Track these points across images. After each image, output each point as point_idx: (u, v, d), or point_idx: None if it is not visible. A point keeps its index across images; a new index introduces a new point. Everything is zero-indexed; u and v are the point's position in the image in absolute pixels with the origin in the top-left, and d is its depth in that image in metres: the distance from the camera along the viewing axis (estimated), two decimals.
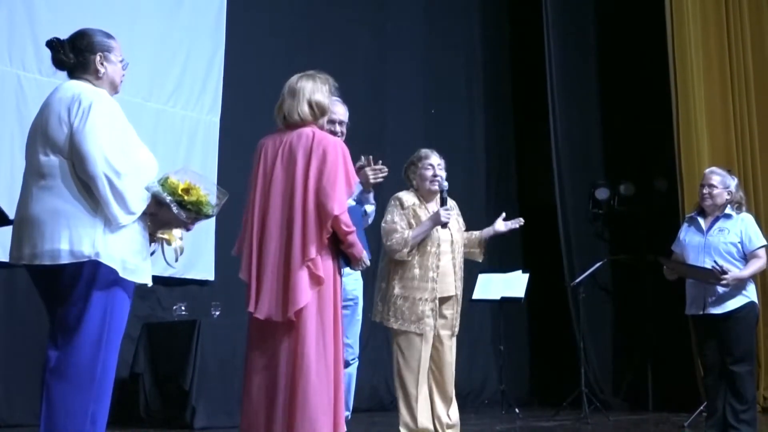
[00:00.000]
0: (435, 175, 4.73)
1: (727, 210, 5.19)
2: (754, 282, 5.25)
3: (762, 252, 5.15)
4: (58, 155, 3.01)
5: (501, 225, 4.89)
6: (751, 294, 5.14)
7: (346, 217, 3.59)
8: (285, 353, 3.55)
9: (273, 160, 3.68)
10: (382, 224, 4.69)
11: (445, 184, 4.69)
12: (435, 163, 4.76)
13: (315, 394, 3.50)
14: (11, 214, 3.29)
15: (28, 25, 6.07)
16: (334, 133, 4.44)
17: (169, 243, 3.29)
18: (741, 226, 5.16)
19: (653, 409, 8.24)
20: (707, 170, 5.40)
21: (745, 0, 8.28)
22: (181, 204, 3.03)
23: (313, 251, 3.54)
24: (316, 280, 3.56)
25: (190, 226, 3.20)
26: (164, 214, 3.08)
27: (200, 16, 7.20)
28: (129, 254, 3.02)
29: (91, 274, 2.96)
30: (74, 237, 2.94)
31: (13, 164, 5.64)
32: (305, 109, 3.70)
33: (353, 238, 3.63)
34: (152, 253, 3.26)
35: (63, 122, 3.00)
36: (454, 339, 4.77)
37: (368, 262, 3.81)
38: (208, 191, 3.13)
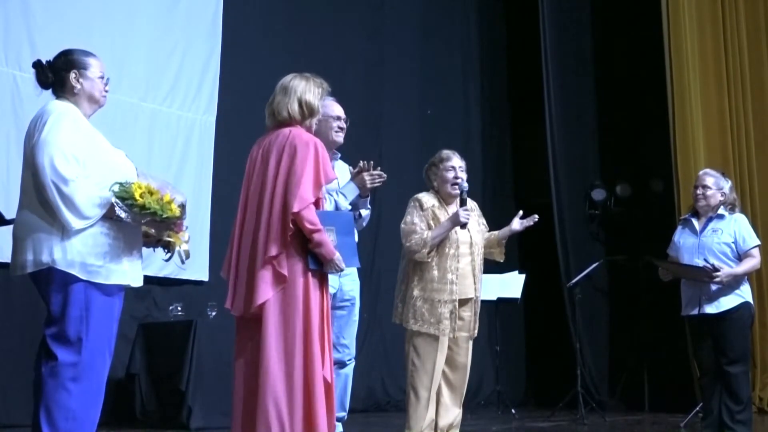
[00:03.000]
0: (456, 177, 4.68)
1: (720, 210, 5.20)
2: (749, 282, 5.26)
3: (756, 251, 5.17)
4: (28, 171, 3.16)
5: (517, 224, 4.80)
6: (745, 294, 5.15)
7: (308, 214, 3.52)
8: (252, 351, 3.60)
9: (255, 161, 3.73)
10: (402, 225, 4.66)
11: (465, 185, 4.65)
12: (456, 165, 4.71)
13: (269, 395, 3.49)
14: (8, 214, 3.37)
15: (25, 25, 6.05)
16: (342, 129, 4.46)
17: (175, 246, 3.34)
18: (734, 226, 5.17)
19: (649, 409, 8.24)
20: (701, 172, 5.43)
21: (741, 1, 8.30)
22: (130, 206, 3.10)
23: (274, 249, 3.52)
24: (278, 279, 3.55)
25: (175, 228, 3.31)
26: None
27: (196, 16, 7.18)
28: (91, 257, 3.12)
29: (59, 280, 3.10)
30: (36, 246, 3.10)
31: (9, 165, 5.64)
32: (295, 107, 3.70)
33: (319, 237, 3.54)
34: (169, 258, 3.40)
35: (30, 139, 3.14)
36: (471, 342, 4.75)
37: (344, 267, 3.68)
38: (173, 196, 3.21)
